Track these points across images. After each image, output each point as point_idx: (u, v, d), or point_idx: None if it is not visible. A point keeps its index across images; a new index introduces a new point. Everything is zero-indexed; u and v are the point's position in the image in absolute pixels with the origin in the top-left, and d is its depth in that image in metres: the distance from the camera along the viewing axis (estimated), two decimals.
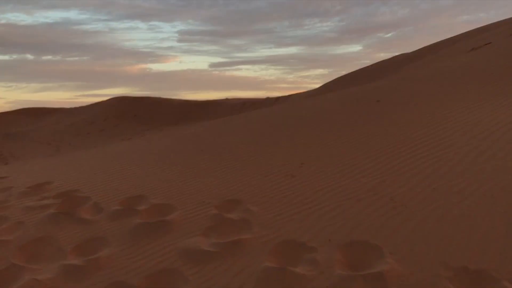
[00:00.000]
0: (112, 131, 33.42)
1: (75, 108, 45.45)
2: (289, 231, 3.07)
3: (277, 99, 29.86)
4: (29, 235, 3.32)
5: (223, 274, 2.69)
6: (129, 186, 4.04)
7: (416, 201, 3.29)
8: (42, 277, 2.85)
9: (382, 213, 3.17)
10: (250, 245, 2.96)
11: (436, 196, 3.33)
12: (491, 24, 18.88)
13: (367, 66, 23.54)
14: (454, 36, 19.87)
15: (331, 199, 3.44)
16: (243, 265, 2.76)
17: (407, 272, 2.54)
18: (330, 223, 3.11)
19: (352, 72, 24.15)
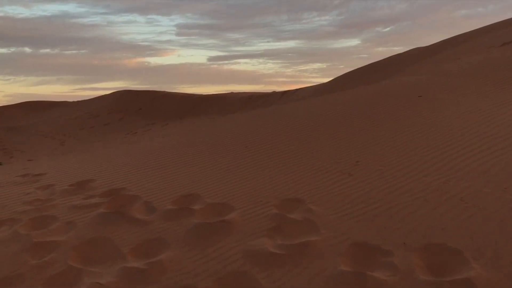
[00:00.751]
0: (116, 125, 33.46)
1: (78, 102, 45.55)
2: (358, 233, 2.99)
3: (284, 93, 29.77)
4: (82, 235, 3.26)
5: (297, 278, 2.62)
6: (178, 184, 3.96)
7: (489, 202, 3.20)
8: (105, 281, 2.79)
9: (455, 215, 3.08)
10: (319, 247, 2.88)
11: (509, 197, 3.24)
12: (510, 19, 18.66)
13: (379, 61, 23.34)
14: (468, 32, 19.64)
15: (397, 199, 3.36)
16: (317, 269, 2.68)
17: (495, 279, 2.46)
18: (401, 225, 3.03)
19: (364, 67, 23.93)
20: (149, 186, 3.96)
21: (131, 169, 4.53)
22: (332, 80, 25.56)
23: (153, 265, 2.87)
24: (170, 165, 4.56)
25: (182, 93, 38.94)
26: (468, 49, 13.17)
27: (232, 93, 37.06)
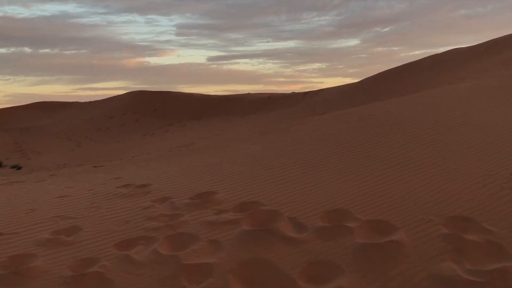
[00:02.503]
0: (132, 126, 33.64)
1: (90, 102, 45.95)
2: None
3: (305, 94, 29.85)
4: (235, 256, 3.08)
5: None
6: (316, 197, 3.77)
7: None
8: None
9: None
10: None
11: None
12: None
13: (414, 62, 23.13)
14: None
15: None
16: None
17: None
18: None
19: (398, 67, 23.66)
20: (284, 200, 3.77)
21: (252, 179, 4.34)
22: (359, 82, 25.49)
23: None
24: (296, 176, 4.36)
25: (197, 93, 39.16)
26: None
27: (249, 94, 37.25)
